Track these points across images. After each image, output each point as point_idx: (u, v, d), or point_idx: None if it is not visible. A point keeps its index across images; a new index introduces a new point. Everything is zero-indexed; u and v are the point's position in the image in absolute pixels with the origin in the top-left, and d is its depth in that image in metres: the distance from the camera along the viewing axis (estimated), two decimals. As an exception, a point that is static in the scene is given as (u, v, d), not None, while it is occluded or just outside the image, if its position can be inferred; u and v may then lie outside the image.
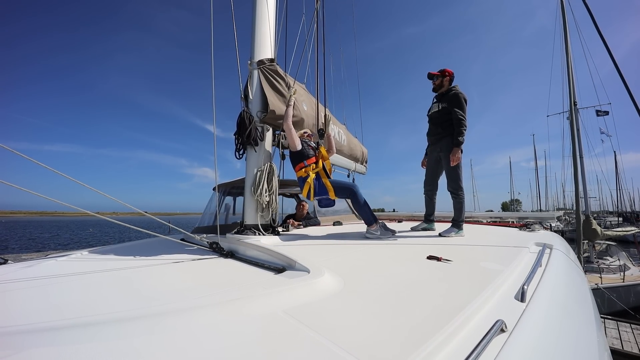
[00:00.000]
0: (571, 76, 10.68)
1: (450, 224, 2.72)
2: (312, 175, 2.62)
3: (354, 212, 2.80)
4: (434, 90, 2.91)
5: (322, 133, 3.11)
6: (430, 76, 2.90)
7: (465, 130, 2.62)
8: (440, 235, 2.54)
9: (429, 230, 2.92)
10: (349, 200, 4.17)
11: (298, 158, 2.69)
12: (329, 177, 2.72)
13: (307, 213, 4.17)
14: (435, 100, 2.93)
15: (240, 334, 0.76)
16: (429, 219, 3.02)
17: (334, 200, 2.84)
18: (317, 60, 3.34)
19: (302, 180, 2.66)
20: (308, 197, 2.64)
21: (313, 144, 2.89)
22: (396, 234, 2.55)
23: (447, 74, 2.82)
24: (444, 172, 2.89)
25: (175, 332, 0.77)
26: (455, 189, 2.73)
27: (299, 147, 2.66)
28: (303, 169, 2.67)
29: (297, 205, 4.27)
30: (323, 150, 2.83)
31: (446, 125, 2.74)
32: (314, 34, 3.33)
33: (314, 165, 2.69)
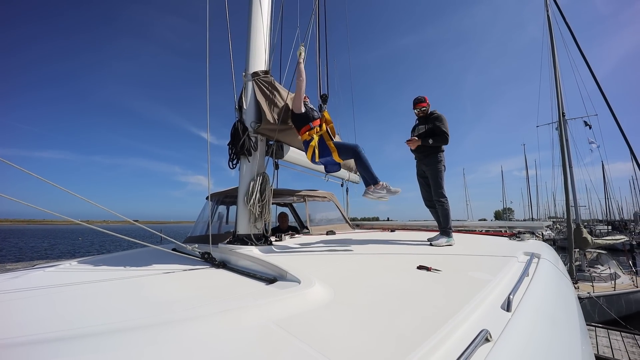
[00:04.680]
0: (559, 88, 10.99)
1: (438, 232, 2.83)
2: (316, 138, 2.67)
3: (357, 172, 2.87)
4: (422, 115, 3.08)
5: (325, 98, 3.10)
6: (419, 100, 3.07)
7: (442, 142, 2.90)
8: (430, 244, 2.59)
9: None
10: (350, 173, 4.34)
11: (303, 121, 2.74)
12: (332, 139, 2.77)
13: (289, 225, 4.25)
14: (418, 122, 3.13)
15: (230, 345, 0.76)
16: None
17: (339, 165, 2.89)
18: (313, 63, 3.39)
19: (307, 144, 2.71)
20: (313, 159, 2.69)
21: (315, 109, 2.95)
22: (400, 191, 2.63)
23: (426, 100, 3.10)
24: None
25: (166, 344, 0.77)
26: (440, 196, 2.89)
27: (303, 109, 2.73)
28: (307, 132, 2.71)
29: (278, 217, 4.30)
30: (327, 114, 2.88)
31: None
32: (308, 46, 3.40)
33: (318, 128, 2.74)
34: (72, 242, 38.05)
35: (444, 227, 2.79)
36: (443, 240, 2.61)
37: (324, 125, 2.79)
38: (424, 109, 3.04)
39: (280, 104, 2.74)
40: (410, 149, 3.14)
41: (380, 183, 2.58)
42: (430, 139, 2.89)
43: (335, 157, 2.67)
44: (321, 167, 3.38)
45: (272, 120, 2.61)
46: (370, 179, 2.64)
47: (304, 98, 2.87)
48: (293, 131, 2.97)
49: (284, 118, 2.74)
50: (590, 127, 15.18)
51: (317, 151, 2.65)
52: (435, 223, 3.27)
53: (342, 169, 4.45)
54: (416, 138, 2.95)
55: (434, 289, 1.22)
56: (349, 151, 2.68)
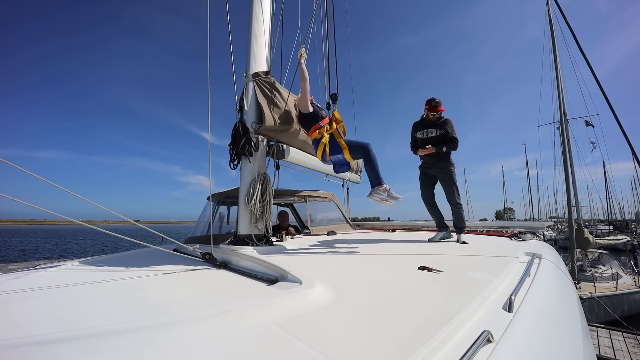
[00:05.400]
0: (560, 88, 10.97)
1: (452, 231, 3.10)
2: (327, 136, 2.66)
3: (360, 173, 2.87)
4: (435, 119, 3.10)
5: (335, 98, 3.10)
6: (437, 104, 3.08)
7: (453, 149, 3.03)
8: (458, 241, 2.79)
9: (447, 238, 3.06)
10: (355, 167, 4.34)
11: (312, 120, 2.73)
12: (342, 137, 2.76)
13: (289, 225, 4.25)
14: (424, 124, 3.18)
15: (232, 346, 0.76)
16: (441, 225, 3.17)
17: (348, 165, 2.88)
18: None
19: (317, 142, 2.70)
20: (323, 157, 2.68)
21: (323, 108, 2.95)
22: (402, 198, 2.66)
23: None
24: (437, 185, 3.24)
25: (166, 344, 0.77)
26: (457, 199, 3.06)
27: (311, 109, 2.73)
28: (317, 131, 2.71)
29: (279, 215, 4.29)
30: (337, 113, 2.88)
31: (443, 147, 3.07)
32: (308, 46, 3.39)
33: (328, 126, 2.73)
34: (74, 242, 37.97)
35: (462, 227, 3.00)
36: (464, 236, 2.89)
37: (334, 123, 2.78)
38: (440, 113, 3.08)
39: (281, 104, 2.73)
40: (419, 155, 3.20)
41: (384, 186, 2.58)
42: (444, 146, 2.99)
43: (346, 155, 2.66)
44: (322, 167, 3.37)
45: (272, 121, 2.61)
46: (374, 179, 2.64)
47: (310, 98, 2.87)
48: (294, 132, 2.96)
49: (284, 119, 2.74)
50: (593, 126, 15.14)
51: (327, 149, 2.63)
52: (435, 223, 3.32)
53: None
54: (430, 146, 3.04)
55: (435, 290, 1.21)
56: (360, 149, 2.67)
